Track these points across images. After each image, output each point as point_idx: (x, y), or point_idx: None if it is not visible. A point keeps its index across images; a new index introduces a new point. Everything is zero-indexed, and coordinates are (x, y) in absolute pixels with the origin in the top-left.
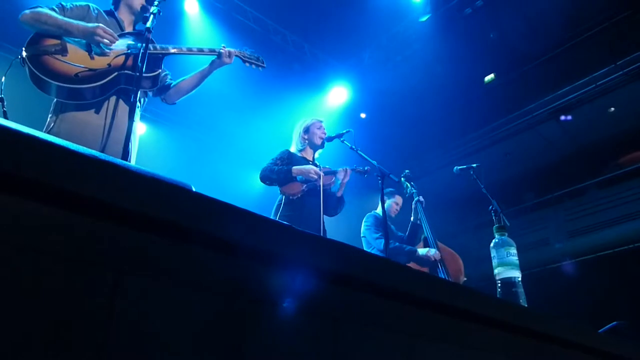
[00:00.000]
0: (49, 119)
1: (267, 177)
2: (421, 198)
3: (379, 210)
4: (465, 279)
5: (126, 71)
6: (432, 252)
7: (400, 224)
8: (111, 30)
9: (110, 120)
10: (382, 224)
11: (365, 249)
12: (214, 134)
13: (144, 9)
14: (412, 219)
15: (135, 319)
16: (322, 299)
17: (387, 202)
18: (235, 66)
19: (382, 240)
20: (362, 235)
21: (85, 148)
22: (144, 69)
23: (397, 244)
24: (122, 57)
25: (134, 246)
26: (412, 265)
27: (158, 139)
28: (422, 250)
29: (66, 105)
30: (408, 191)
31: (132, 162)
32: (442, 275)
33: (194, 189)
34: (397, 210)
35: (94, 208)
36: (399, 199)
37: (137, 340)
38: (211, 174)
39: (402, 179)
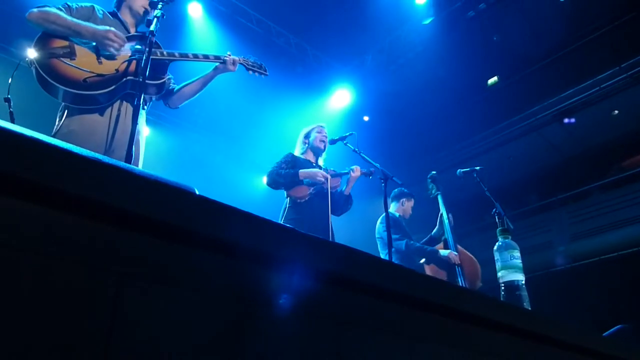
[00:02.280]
0: (56, 122)
1: (274, 181)
2: (450, 217)
3: (392, 209)
4: (481, 284)
5: (133, 77)
6: (453, 254)
7: (413, 223)
8: (122, 34)
9: (117, 124)
10: (398, 225)
11: (381, 249)
12: (217, 136)
13: (147, 12)
14: (433, 232)
15: (137, 322)
16: (324, 302)
17: (405, 204)
18: (239, 70)
19: (403, 241)
20: (377, 236)
21: (88, 151)
22: (150, 76)
23: (417, 244)
24: (129, 63)
25: (136, 249)
26: (431, 266)
27: (161, 141)
28: (443, 252)
29: (73, 109)
30: (433, 192)
31: (140, 165)
32: (459, 278)
33: (197, 192)
34: (410, 212)
35: (96, 211)
36: (411, 203)
37: (139, 344)
38: (214, 176)
39: (428, 179)
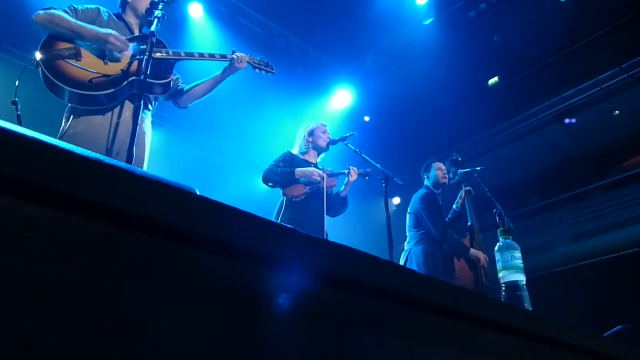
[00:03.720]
0: (63, 123)
1: (270, 179)
2: (470, 189)
3: (427, 182)
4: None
5: (138, 77)
6: (482, 255)
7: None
8: (123, 39)
9: (123, 126)
10: (435, 204)
11: (410, 227)
12: (218, 136)
13: (149, 13)
14: (454, 206)
15: (138, 323)
16: (325, 302)
17: (432, 175)
18: (241, 69)
19: (444, 231)
20: (410, 211)
21: (88, 151)
22: (156, 76)
23: (455, 236)
24: (135, 63)
25: (136, 250)
26: (462, 263)
27: (162, 141)
28: (475, 252)
29: (79, 110)
30: (456, 178)
31: (145, 166)
32: (482, 280)
33: (197, 192)
34: (444, 175)
35: (97, 211)
36: (439, 165)
37: (140, 345)
38: (214, 176)
39: (448, 163)
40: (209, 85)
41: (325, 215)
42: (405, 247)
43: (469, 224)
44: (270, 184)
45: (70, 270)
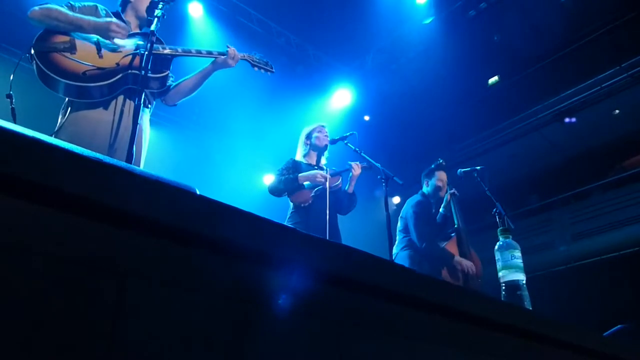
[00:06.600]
0: (59, 119)
1: (275, 189)
2: (455, 191)
3: (425, 189)
4: (480, 281)
5: (134, 71)
6: (468, 263)
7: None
8: (124, 25)
9: (120, 122)
10: (427, 213)
11: (400, 230)
12: (218, 136)
13: (149, 12)
14: (442, 210)
15: (138, 323)
16: (325, 302)
17: (432, 183)
18: (240, 69)
19: (424, 242)
20: (402, 215)
21: (88, 151)
22: (152, 71)
23: (438, 249)
24: (131, 57)
25: (136, 249)
26: (445, 272)
27: (162, 141)
28: (459, 259)
29: (76, 104)
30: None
31: (142, 162)
32: (472, 280)
33: (197, 192)
34: (443, 187)
35: (97, 211)
36: (441, 176)
37: (141, 345)
38: (214, 176)
39: (434, 167)
40: (196, 80)
41: (333, 215)
42: (394, 251)
43: (455, 225)
44: (276, 194)
45: (71, 270)
